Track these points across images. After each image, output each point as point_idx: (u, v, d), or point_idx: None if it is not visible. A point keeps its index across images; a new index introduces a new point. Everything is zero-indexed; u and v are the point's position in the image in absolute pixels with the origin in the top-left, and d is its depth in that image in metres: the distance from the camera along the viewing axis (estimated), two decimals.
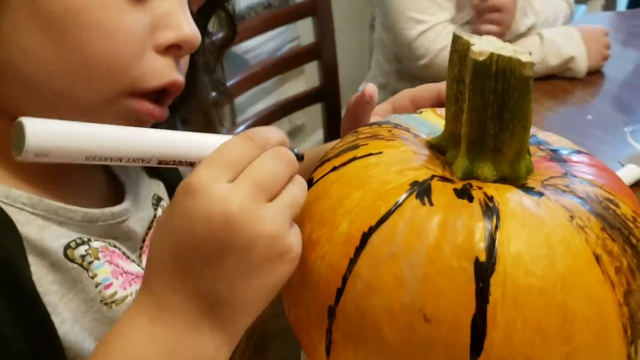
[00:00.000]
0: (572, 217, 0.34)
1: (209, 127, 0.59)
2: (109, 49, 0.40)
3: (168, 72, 0.43)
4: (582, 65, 0.96)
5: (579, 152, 0.42)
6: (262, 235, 0.32)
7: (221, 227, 0.32)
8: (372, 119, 0.50)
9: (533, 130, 0.44)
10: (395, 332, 0.33)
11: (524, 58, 0.35)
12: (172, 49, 0.43)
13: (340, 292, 0.35)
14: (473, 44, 0.36)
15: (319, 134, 2.47)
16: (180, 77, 0.44)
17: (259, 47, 2.04)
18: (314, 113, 1.56)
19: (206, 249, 0.32)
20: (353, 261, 0.35)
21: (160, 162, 0.34)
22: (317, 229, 0.36)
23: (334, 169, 0.39)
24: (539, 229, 0.33)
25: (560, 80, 0.98)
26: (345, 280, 0.35)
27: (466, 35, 0.37)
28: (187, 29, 0.43)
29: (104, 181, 0.50)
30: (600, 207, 0.35)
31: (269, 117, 1.35)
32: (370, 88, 0.47)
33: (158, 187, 0.55)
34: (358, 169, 0.38)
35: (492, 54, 0.35)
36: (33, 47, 0.39)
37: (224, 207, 0.32)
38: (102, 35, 0.39)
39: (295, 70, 2.28)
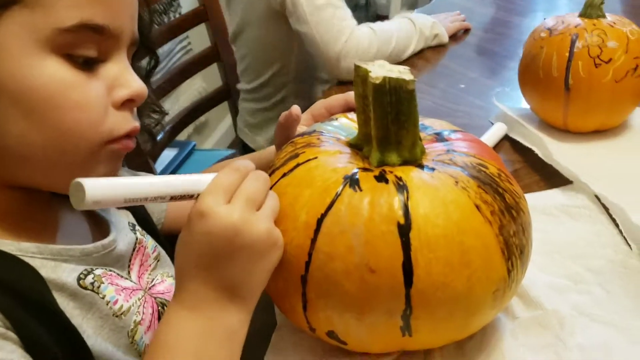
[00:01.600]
0: (456, 182, 0.49)
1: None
2: (80, 119, 0.47)
3: (128, 122, 0.51)
4: (442, 30, 1.15)
5: (455, 131, 0.57)
6: (259, 233, 0.46)
7: (232, 235, 0.45)
8: (298, 129, 0.63)
9: (421, 120, 0.59)
10: (352, 284, 0.47)
11: (407, 77, 0.49)
12: (127, 103, 0.51)
13: (308, 264, 0.48)
14: (370, 71, 0.50)
15: (223, 128, 2.57)
16: (137, 123, 0.53)
17: None
18: (217, 109, 1.64)
19: (224, 251, 0.45)
20: (314, 240, 0.48)
21: (172, 199, 0.46)
22: (283, 222, 0.49)
23: (284, 175, 0.52)
24: (436, 194, 0.48)
25: (433, 54, 1.15)
26: (310, 255, 0.48)
27: (363, 64, 0.51)
28: (136, 85, 0.51)
29: (87, 221, 0.60)
30: (475, 171, 0.51)
31: (178, 121, 1.44)
32: (296, 109, 0.61)
33: (127, 216, 0.65)
34: (303, 172, 0.51)
35: (385, 77, 0.49)
36: (19, 130, 0.46)
37: (231, 221, 0.44)
38: (72, 110, 0.47)
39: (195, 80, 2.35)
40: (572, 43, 0.77)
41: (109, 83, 0.49)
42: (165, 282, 0.62)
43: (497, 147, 0.84)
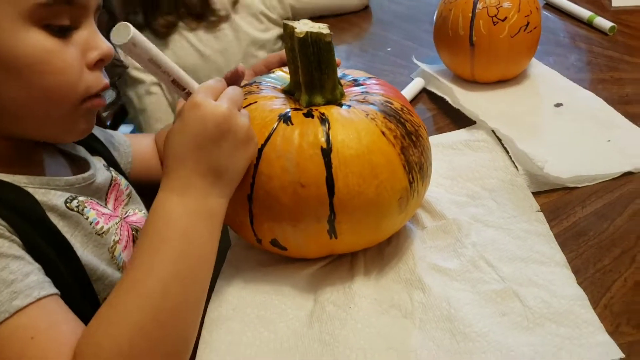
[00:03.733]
0: (367, 114, 0.62)
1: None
2: (60, 81, 0.56)
3: (100, 80, 0.60)
4: None
5: (370, 77, 0.70)
6: (242, 125, 0.57)
7: (221, 120, 0.55)
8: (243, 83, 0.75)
9: (342, 70, 0.72)
10: (287, 197, 0.60)
11: (325, 32, 0.61)
12: (98, 63, 0.59)
13: (252, 185, 0.61)
14: (295, 27, 0.62)
15: None
16: (107, 80, 0.62)
17: None
18: None
19: (214, 135, 0.55)
20: (256, 166, 0.60)
21: (173, 81, 0.57)
22: None
23: None
24: (351, 124, 0.61)
25: (359, 20, 1.28)
26: (254, 177, 0.61)
27: (290, 22, 0.63)
28: (104, 46, 0.59)
29: (67, 162, 0.70)
30: (382, 106, 0.64)
31: None
32: (241, 67, 0.72)
33: (100, 160, 0.76)
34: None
35: (307, 32, 0.61)
36: (11, 92, 0.55)
37: (220, 109, 0.55)
38: (53, 73, 0.55)
39: None
40: (474, 5, 0.91)
41: (82, 47, 0.57)
42: (137, 215, 0.73)
43: (416, 98, 0.97)
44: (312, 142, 0.60)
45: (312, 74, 0.63)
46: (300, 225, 0.61)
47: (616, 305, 0.60)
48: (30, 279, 0.51)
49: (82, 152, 0.72)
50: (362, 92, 0.67)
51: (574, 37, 1.12)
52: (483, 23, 0.90)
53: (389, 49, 1.13)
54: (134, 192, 0.76)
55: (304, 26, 0.62)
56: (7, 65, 0.54)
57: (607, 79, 0.98)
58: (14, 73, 0.54)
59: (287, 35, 0.63)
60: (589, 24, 1.13)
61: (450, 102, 0.91)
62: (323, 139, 0.60)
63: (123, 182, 0.74)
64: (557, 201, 0.74)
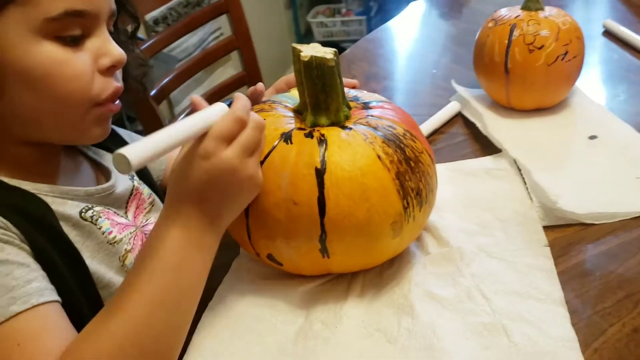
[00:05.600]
0: (365, 138, 0.63)
1: (152, 118, 0.84)
2: (72, 88, 0.59)
3: (111, 85, 0.63)
4: None
5: (382, 101, 0.71)
6: (250, 176, 0.58)
7: (229, 174, 0.56)
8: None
9: (356, 91, 0.73)
10: (281, 213, 0.62)
11: (329, 57, 0.63)
12: (110, 69, 0.62)
13: None
14: (302, 51, 0.64)
15: None
16: (119, 84, 0.64)
17: (185, 41, 2.25)
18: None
19: (220, 186, 0.56)
20: None
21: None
22: None
23: None
24: (348, 147, 0.62)
25: (413, 43, 1.28)
26: None
27: (298, 46, 0.65)
28: (116, 52, 0.62)
29: (92, 167, 0.75)
30: (384, 130, 0.64)
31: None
32: (260, 85, 0.74)
33: None
34: None
35: (312, 56, 0.63)
36: (27, 101, 0.59)
37: (231, 163, 0.55)
38: (66, 82, 0.59)
39: (223, 59, 2.52)
40: (511, 32, 0.89)
41: (94, 54, 0.61)
42: None
43: (451, 121, 0.97)
44: (307, 162, 0.61)
45: (317, 96, 0.65)
46: (293, 243, 0.63)
47: (607, 350, 0.58)
48: (32, 286, 0.55)
49: (108, 160, 0.77)
50: (367, 116, 0.68)
51: (627, 68, 1.07)
52: (519, 50, 0.89)
53: (434, 71, 1.13)
54: (157, 200, 0.80)
55: (310, 50, 0.64)
56: (21, 77, 0.58)
57: None
58: (28, 84, 0.58)
59: (296, 58, 0.65)
60: None
61: (480, 128, 0.90)
62: (318, 160, 0.61)
63: (145, 190, 0.78)
64: (570, 236, 0.71)
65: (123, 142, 0.81)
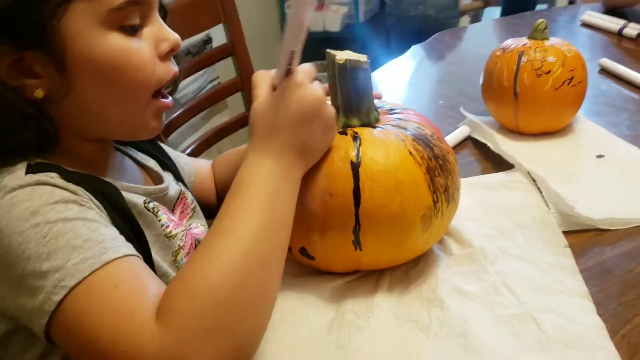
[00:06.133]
0: (397, 136, 0.66)
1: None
2: (137, 76, 0.61)
3: (170, 69, 0.64)
4: None
5: (405, 108, 0.75)
6: (330, 113, 0.63)
7: (318, 104, 0.61)
8: None
9: (380, 101, 0.77)
10: (317, 204, 0.64)
11: (362, 59, 0.67)
12: (169, 53, 0.64)
13: None
14: (336, 55, 0.68)
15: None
16: (176, 68, 0.65)
17: (184, 87, 2.31)
18: (242, 140, 1.82)
19: (309, 115, 0.61)
20: None
21: (291, 53, 0.59)
22: None
23: None
24: (381, 143, 0.65)
25: (419, 78, 1.34)
26: None
27: (332, 51, 0.69)
28: (173, 37, 0.64)
29: (141, 170, 0.76)
30: (413, 130, 0.68)
31: (199, 146, 1.61)
32: None
33: (170, 175, 0.81)
34: None
35: (347, 60, 0.67)
36: (94, 94, 0.60)
37: (319, 94, 0.62)
38: (132, 71, 0.60)
39: (220, 106, 2.57)
40: (519, 58, 0.95)
41: (153, 41, 0.62)
42: (199, 228, 0.77)
43: (461, 144, 1.00)
44: (343, 156, 0.64)
45: (349, 97, 0.69)
46: (327, 234, 0.65)
47: (635, 336, 0.60)
48: (119, 241, 0.56)
49: (155, 166, 0.79)
50: (396, 119, 0.71)
51: (625, 99, 1.13)
52: (527, 75, 0.94)
53: (440, 102, 1.18)
54: (198, 207, 0.82)
55: (345, 54, 0.68)
56: (90, 69, 0.59)
57: None
58: (97, 75, 0.60)
59: (330, 63, 0.69)
60: None
61: (491, 147, 0.94)
62: (353, 154, 0.64)
63: (189, 196, 0.80)
64: (587, 241, 0.74)
65: (166, 154, 0.83)
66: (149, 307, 0.52)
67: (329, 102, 0.73)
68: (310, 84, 0.62)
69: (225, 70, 1.83)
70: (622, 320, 0.62)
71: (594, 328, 0.60)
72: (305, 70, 0.63)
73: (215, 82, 2.55)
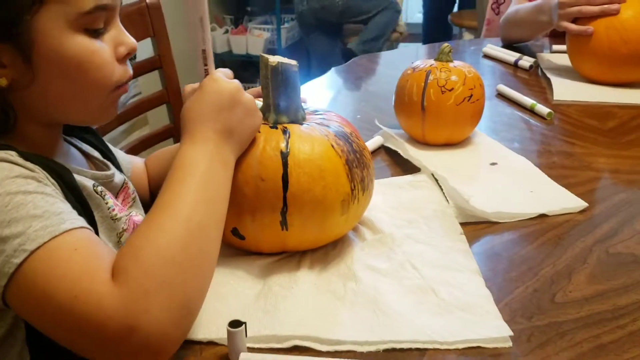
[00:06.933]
0: (321, 132, 0.76)
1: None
2: (99, 76, 0.67)
3: (127, 71, 0.71)
4: None
5: (326, 110, 0.85)
6: (249, 99, 0.71)
7: (234, 92, 0.70)
8: None
9: (306, 105, 0.87)
10: (250, 188, 0.72)
11: (293, 63, 0.77)
12: (126, 57, 0.70)
13: None
14: (269, 58, 0.77)
15: None
16: (131, 70, 0.72)
17: None
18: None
19: (227, 103, 0.69)
20: None
21: (202, 52, 0.71)
22: None
23: None
24: (308, 137, 0.75)
25: (341, 96, 1.46)
26: None
27: (265, 55, 0.78)
28: (130, 41, 0.70)
29: (81, 155, 0.81)
30: (335, 128, 0.78)
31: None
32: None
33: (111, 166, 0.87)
34: None
35: (278, 62, 0.76)
36: (58, 87, 0.66)
37: (233, 84, 0.70)
38: (94, 70, 0.67)
39: (141, 122, 2.59)
40: (427, 76, 1.07)
41: (113, 44, 0.69)
42: (138, 217, 0.83)
43: (375, 151, 1.12)
44: (274, 146, 0.73)
45: (280, 97, 0.78)
46: (257, 215, 0.73)
47: (515, 304, 0.71)
48: (74, 215, 0.62)
49: (99, 157, 0.84)
50: (320, 118, 0.81)
51: (517, 119, 1.29)
52: (433, 91, 1.06)
53: (358, 116, 1.30)
54: (138, 198, 0.87)
55: (277, 58, 0.78)
56: (56, 65, 0.65)
57: (540, 150, 1.13)
58: (61, 71, 0.65)
59: (263, 65, 0.78)
60: (531, 110, 1.31)
61: (401, 153, 1.06)
62: (283, 145, 0.73)
63: (131, 186, 0.86)
64: (480, 231, 0.86)
65: (109, 148, 0.89)
66: (106, 268, 0.57)
67: (257, 103, 0.82)
68: (225, 78, 0.71)
69: (147, 87, 1.86)
70: (506, 291, 0.73)
71: (483, 297, 0.71)
72: (221, 70, 0.73)
73: (136, 99, 2.57)
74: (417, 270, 0.76)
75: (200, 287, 0.61)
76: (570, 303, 0.71)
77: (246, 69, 3.73)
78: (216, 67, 0.75)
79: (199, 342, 0.65)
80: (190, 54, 0.73)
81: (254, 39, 3.62)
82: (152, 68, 1.68)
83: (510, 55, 1.66)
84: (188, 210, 0.62)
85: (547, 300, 0.71)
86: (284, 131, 0.75)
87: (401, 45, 4.19)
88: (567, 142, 1.16)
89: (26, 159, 0.63)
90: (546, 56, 1.66)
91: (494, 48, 1.74)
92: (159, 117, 1.86)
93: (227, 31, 3.70)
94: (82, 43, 0.66)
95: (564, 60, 1.56)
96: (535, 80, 1.54)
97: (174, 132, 1.80)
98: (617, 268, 0.77)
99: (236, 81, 0.72)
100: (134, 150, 1.69)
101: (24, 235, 0.56)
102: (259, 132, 0.75)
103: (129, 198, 0.84)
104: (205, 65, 0.72)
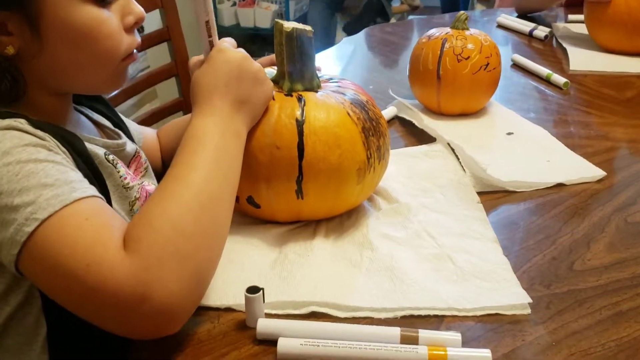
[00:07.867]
0: (337, 99, 0.75)
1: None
2: (107, 44, 0.67)
3: (135, 40, 0.71)
4: None
5: (342, 78, 0.84)
6: (258, 68, 0.71)
7: (242, 61, 0.69)
8: None
9: (321, 72, 0.85)
10: (265, 156, 0.72)
11: (308, 28, 0.76)
12: (134, 26, 0.70)
13: None
14: (284, 24, 0.76)
15: None
16: (139, 39, 0.72)
17: None
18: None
19: (236, 73, 0.68)
20: None
21: (206, 23, 0.70)
22: None
23: None
24: (323, 104, 0.74)
25: (351, 66, 1.44)
26: None
27: (280, 21, 0.77)
28: (138, 10, 0.70)
29: (92, 125, 0.81)
30: (351, 95, 0.77)
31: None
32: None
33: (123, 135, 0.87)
34: None
35: (293, 28, 0.75)
36: (68, 56, 0.66)
37: (241, 54, 0.70)
38: (103, 39, 0.66)
39: (150, 95, 2.58)
40: (443, 44, 1.06)
41: (120, 13, 0.68)
42: (151, 186, 0.83)
43: (389, 122, 1.11)
44: (289, 114, 0.72)
45: (294, 64, 0.77)
46: (272, 183, 0.73)
47: (533, 271, 0.71)
48: (85, 184, 0.61)
49: (110, 126, 0.84)
50: (335, 86, 0.80)
51: (532, 89, 1.27)
52: (449, 60, 1.05)
53: (370, 87, 1.28)
54: (150, 167, 0.87)
55: (291, 24, 0.76)
56: (63, 34, 0.65)
57: (556, 120, 1.12)
58: (69, 40, 0.65)
59: (277, 32, 0.77)
60: (547, 80, 1.29)
61: (416, 123, 1.04)
62: (298, 113, 0.72)
63: (143, 155, 0.85)
64: (497, 200, 0.85)
65: (121, 119, 0.88)
66: (118, 237, 0.57)
67: (271, 71, 0.81)
68: (232, 48, 0.71)
69: (156, 60, 1.84)
70: (524, 259, 0.73)
71: (501, 264, 0.71)
72: (225, 39, 0.73)
73: (145, 72, 2.56)
74: (434, 238, 0.76)
75: (211, 258, 0.61)
76: (588, 271, 0.70)
77: (254, 42, 3.70)
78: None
79: (216, 309, 0.65)
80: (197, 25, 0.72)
81: (261, 12, 3.58)
82: (161, 40, 1.67)
83: (525, 25, 1.64)
84: (201, 181, 0.62)
85: (566, 269, 0.71)
86: (299, 99, 0.74)
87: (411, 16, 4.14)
88: (584, 112, 1.14)
89: (36, 127, 0.63)
90: (561, 26, 1.64)
91: (508, 18, 1.71)
92: (168, 90, 1.85)
93: (234, 4, 3.66)
94: (90, 12, 0.65)
95: (580, 29, 1.53)
96: (550, 50, 1.52)
97: (183, 105, 1.79)
98: (635, 236, 0.77)
99: (242, 50, 0.72)
100: (143, 123, 1.65)
101: (35, 204, 0.56)
102: (274, 99, 0.74)
103: (141, 167, 0.84)
104: (210, 36, 0.71)
